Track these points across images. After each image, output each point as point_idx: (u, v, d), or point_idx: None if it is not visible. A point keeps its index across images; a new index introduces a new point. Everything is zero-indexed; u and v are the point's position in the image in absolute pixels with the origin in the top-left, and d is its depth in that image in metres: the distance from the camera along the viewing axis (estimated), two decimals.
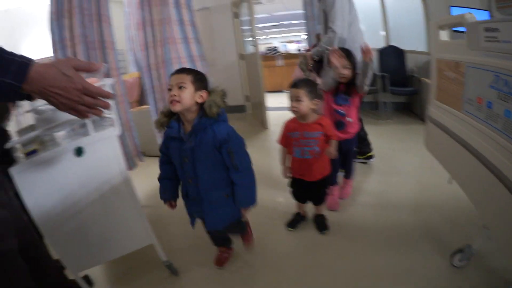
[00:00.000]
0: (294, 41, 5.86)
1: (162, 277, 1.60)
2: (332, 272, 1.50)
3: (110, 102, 0.76)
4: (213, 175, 1.28)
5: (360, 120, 2.32)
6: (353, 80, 1.85)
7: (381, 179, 2.07)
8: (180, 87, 1.16)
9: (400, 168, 2.39)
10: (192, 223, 1.43)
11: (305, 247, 1.71)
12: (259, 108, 4.11)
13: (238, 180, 1.27)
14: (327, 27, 2.21)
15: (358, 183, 2.18)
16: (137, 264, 1.69)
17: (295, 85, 1.56)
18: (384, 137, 3.07)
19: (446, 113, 1.15)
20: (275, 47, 6.15)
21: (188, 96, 1.17)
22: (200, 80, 1.21)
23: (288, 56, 6.03)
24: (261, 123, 4.04)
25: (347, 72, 1.85)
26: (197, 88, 1.19)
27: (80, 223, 1.40)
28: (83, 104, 0.68)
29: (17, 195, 1.16)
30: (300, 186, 1.74)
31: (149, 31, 2.83)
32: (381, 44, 3.96)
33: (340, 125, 1.89)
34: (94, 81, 1.52)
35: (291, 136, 1.64)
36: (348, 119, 1.88)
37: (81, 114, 0.71)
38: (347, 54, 1.87)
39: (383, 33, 4.18)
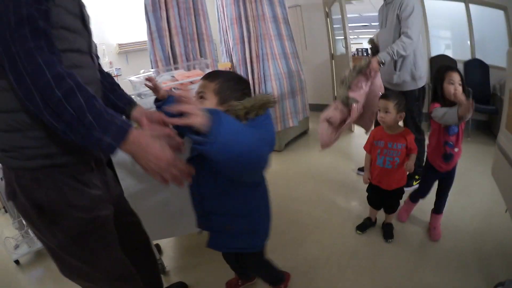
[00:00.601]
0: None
1: None
2: (387, 279, 1.60)
3: None
4: (221, 194, 1.11)
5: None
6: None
7: (450, 198, 2.05)
8: (200, 97, 1.01)
9: (471, 189, 2.33)
10: (200, 231, 1.27)
11: (369, 251, 1.81)
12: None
13: None
14: (398, 33, 2.14)
15: (427, 198, 2.18)
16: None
17: (385, 96, 1.64)
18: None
19: None
20: (366, 48, 6.03)
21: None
22: (227, 89, 1.02)
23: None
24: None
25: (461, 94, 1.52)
26: (222, 101, 1.00)
27: (164, 197, 1.57)
28: (169, 173, 0.82)
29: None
30: (376, 193, 1.82)
31: (244, 26, 3.01)
32: (467, 56, 3.76)
33: (448, 157, 1.67)
34: (199, 73, 1.73)
35: (376, 144, 1.72)
36: (455, 149, 1.66)
37: (164, 181, 0.83)
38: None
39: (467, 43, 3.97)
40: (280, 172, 3.02)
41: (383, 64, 2.07)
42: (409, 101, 2.14)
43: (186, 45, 2.38)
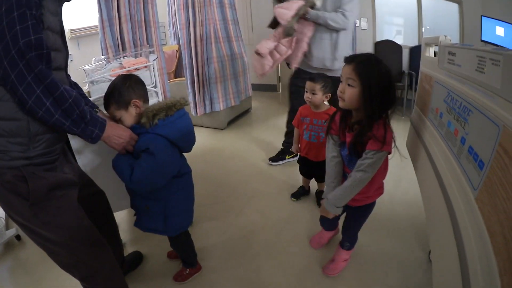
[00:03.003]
0: None
1: None
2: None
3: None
4: None
5: None
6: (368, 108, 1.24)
7: (396, 172, 2.35)
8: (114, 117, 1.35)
9: (406, 162, 2.64)
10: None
11: (303, 216, 2.13)
12: None
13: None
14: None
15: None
16: None
17: (312, 79, 1.89)
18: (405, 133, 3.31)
19: (419, 118, 1.46)
20: None
21: (127, 121, 1.33)
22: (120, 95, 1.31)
23: None
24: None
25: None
26: (125, 105, 1.32)
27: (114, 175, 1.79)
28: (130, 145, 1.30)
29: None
30: (305, 164, 2.13)
31: (190, 11, 3.26)
32: (415, 43, 4.16)
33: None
34: (143, 61, 1.95)
35: (302, 121, 2.00)
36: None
37: (122, 151, 1.32)
38: None
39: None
40: (222, 148, 3.31)
41: (312, 8, 2.21)
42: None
43: (134, 32, 2.55)
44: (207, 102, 3.63)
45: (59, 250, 1.30)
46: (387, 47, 4.13)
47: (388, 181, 1.94)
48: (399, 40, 4.14)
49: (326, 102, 1.99)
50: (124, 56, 2.33)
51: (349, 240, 1.68)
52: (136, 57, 2.22)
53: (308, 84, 1.89)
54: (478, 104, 0.83)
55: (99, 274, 1.41)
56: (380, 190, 1.47)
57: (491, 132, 0.74)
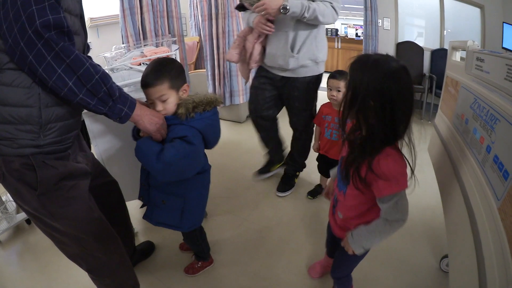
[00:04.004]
0: (354, 26, 5.94)
1: None
2: None
3: None
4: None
5: None
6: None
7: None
8: (163, 100, 1.24)
9: (424, 167, 2.60)
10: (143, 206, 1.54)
11: (319, 215, 2.16)
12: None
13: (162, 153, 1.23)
14: None
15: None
16: None
17: (334, 76, 1.87)
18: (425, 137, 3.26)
19: (443, 123, 1.46)
20: (336, 29, 6.28)
21: (171, 105, 1.26)
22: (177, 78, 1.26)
23: (347, 40, 6.22)
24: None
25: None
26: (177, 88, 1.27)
27: (134, 161, 1.85)
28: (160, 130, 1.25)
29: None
30: (325, 162, 2.15)
31: (213, 3, 3.26)
32: (435, 46, 4.11)
33: (333, 207, 1.29)
34: (165, 50, 1.98)
35: (324, 119, 2.02)
36: (339, 213, 1.22)
37: (158, 137, 1.26)
38: None
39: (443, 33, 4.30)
40: (240, 141, 3.32)
41: (285, 10, 1.69)
42: (310, 89, 2.07)
43: (156, 22, 2.60)
44: (227, 95, 3.64)
45: (67, 240, 1.29)
46: (409, 49, 4.10)
47: None
48: (420, 42, 4.10)
49: None
50: (144, 45, 2.37)
51: (339, 281, 1.47)
52: (157, 46, 2.26)
53: (332, 82, 1.88)
54: (506, 114, 0.84)
55: (107, 266, 1.41)
56: None
57: None
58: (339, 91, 1.87)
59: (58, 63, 0.94)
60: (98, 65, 1.08)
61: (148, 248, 1.98)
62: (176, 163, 1.21)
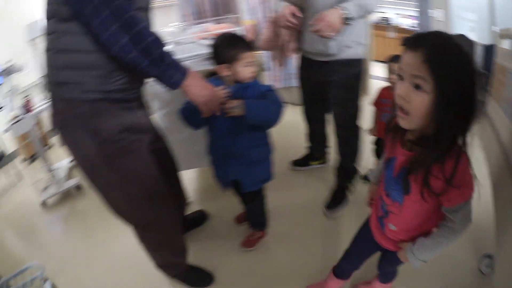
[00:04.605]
0: (408, 16, 5.89)
1: None
2: None
3: None
4: (253, 132, 1.50)
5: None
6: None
7: None
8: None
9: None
10: (226, 185, 1.69)
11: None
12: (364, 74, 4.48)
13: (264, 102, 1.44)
14: None
15: None
16: None
17: (395, 59, 1.89)
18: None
19: (493, 108, 1.53)
20: (388, 18, 6.26)
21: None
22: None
23: (400, 30, 6.19)
24: (363, 89, 4.41)
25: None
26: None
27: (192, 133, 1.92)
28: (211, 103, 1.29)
29: None
30: (381, 145, 2.20)
31: None
32: (486, 41, 4.03)
33: (381, 219, 1.15)
34: (229, 27, 2.12)
35: (382, 102, 2.09)
36: (391, 226, 1.09)
37: (207, 111, 1.31)
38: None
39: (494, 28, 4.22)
40: (295, 123, 3.33)
41: (349, 20, 1.58)
42: (353, 74, 1.89)
43: (214, 1, 2.76)
44: (284, 77, 3.69)
45: (117, 195, 1.33)
46: (461, 42, 4.05)
47: None
48: (472, 36, 4.03)
49: None
50: (203, 23, 2.53)
51: (385, 275, 1.48)
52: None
53: (393, 66, 1.91)
54: None
55: (155, 225, 1.46)
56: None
57: None
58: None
59: (113, 19, 0.97)
60: (154, 30, 1.10)
61: (200, 217, 2.13)
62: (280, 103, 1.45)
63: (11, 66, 2.89)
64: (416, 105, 0.79)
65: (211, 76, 1.55)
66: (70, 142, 1.21)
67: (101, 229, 2.37)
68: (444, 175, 0.81)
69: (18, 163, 3.75)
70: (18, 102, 3.11)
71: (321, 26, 1.52)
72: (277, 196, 2.24)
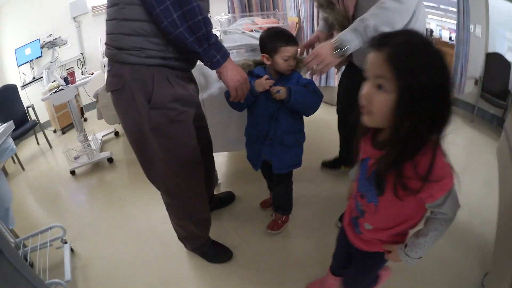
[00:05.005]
0: (449, 29, 5.89)
1: None
2: None
3: None
4: (291, 119, 1.66)
5: None
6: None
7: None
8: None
9: (495, 182, 2.52)
10: (257, 165, 1.82)
11: None
12: None
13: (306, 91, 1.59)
14: None
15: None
16: None
17: None
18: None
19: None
20: (431, 29, 6.28)
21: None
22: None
23: (440, 43, 6.14)
24: None
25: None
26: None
27: (228, 118, 2.15)
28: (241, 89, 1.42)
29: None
30: None
31: None
32: None
33: (354, 220, 1.16)
34: (275, 21, 2.30)
35: None
36: (366, 225, 1.10)
37: (237, 96, 1.45)
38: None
39: None
40: (331, 121, 3.29)
41: (340, 50, 1.38)
42: None
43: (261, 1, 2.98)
44: (323, 76, 3.79)
45: (155, 160, 1.47)
46: (497, 61, 4.13)
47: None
48: (509, 57, 4.09)
49: None
50: (250, 15, 2.73)
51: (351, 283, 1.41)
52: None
53: None
54: None
55: (184, 192, 1.59)
56: (400, 238, 1.09)
57: None
58: None
59: None
60: (205, 11, 1.23)
61: (228, 198, 2.30)
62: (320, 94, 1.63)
63: (56, 39, 3.09)
64: (378, 105, 0.80)
65: (257, 66, 1.73)
66: (123, 104, 1.36)
67: (127, 201, 2.54)
68: (418, 173, 0.80)
69: (49, 133, 4.00)
70: (60, 73, 3.33)
71: (311, 63, 1.45)
72: (303, 187, 2.41)
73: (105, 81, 1.42)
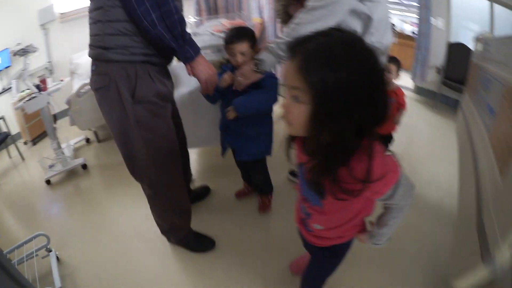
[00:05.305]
0: (411, 23, 6.14)
1: None
2: None
3: None
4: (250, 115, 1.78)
5: None
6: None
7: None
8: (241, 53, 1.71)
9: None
10: (223, 152, 2.04)
11: None
12: None
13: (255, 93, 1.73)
14: None
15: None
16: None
17: (394, 61, 2.26)
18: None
19: (467, 101, 1.93)
20: (393, 24, 6.45)
21: (247, 59, 1.71)
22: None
23: (402, 36, 6.46)
24: None
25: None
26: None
27: (198, 113, 2.30)
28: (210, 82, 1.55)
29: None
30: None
31: None
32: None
33: (303, 220, 1.19)
34: (242, 23, 2.47)
35: None
36: (316, 226, 1.12)
37: (206, 89, 1.59)
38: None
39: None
40: None
41: (259, 69, 1.65)
42: None
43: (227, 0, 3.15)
44: None
45: (139, 154, 1.57)
46: (459, 50, 4.40)
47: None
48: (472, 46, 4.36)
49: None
50: (215, 18, 2.90)
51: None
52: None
53: (390, 66, 2.26)
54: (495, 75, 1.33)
55: (166, 183, 1.71)
56: (358, 228, 1.13)
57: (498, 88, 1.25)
58: (389, 73, 2.29)
59: None
60: (180, 10, 1.39)
61: (204, 191, 2.45)
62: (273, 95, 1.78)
63: (28, 46, 3.13)
64: (296, 116, 0.77)
65: (224, 64, 1.89)
66: (109, 101, 1.46)
67: (106, 205, 2.62)
68: (356, 177, 0.78)
69: (20, 145, 3.99)
70: (32, 81, 3.33)
71: (239, 80, 1.72)
72: (279, 175, 2.57)
73: (90, 80, 1.53)
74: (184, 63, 1.49)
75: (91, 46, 1.44)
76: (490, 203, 1.06)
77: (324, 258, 1.26)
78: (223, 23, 2.42)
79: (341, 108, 0.70)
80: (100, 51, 1.39)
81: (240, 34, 1.72)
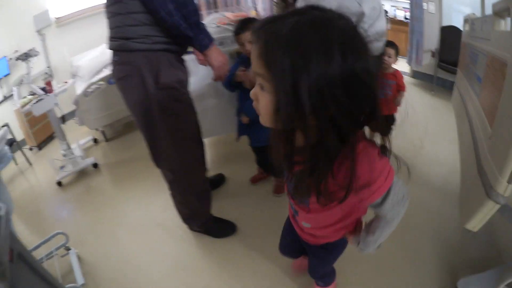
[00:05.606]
0: (403, 8, 6.24)
1: None
2: None
3: None
4: None
5: None
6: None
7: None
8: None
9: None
10: (238, 138, 2.20)
11: None
12: None
13: None
14: None
15: None
16: None
17: (388, 44, 2.41)
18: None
19: (460, 77, 2.16)
20: (386, 10, 6.51)
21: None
22: None
23: (395, 22, 6.61)
24: None
25: None
26: None
27: (213, 102, 2.44)
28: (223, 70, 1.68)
29: None
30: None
31: None
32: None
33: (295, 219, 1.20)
34: (245, 15, 2.63)
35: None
36: (304, 224, 1.13)
37: (219, 76, 1.72)
38: None
39: None
40: None
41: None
42: None
43: None
44: None
45: (162, 138, 1.64)
46: (452, 33, 4.55)
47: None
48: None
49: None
50: (215, 12, 3.06)
51: (320, 279, 1.52)
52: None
53: (388, 50, 2.41)
54: (480, 49, 1.57)
55: (187, 165, 1.77)
56: (351, 227, 1.09)
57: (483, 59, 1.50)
58: (390, 57, 2.46)
59: None
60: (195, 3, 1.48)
61: (220, 179, 2.58)
62: None
63: (31, 50, 3.21)
64: (262, 105, 0.70)
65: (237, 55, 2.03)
66: (132, 89, 1.54)
67: (120, 200, 2.69)
68: (337, 183, 0.73)
69: (26, 151, 4.02)
70: (36, 85, 3.42)
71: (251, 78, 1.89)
72: None
73: (111, 71, 1.64)
74: (200, 51, 1.58)
75: (112, 38, 1.52)
76: (485, 149, 1.27)
77: (319, 255, 1.27)
78: (227, 16, 2.58)
79: (307, 101, 0.59)
80: (122, 41, 1.47)
81: (246, 24, 1.87)
